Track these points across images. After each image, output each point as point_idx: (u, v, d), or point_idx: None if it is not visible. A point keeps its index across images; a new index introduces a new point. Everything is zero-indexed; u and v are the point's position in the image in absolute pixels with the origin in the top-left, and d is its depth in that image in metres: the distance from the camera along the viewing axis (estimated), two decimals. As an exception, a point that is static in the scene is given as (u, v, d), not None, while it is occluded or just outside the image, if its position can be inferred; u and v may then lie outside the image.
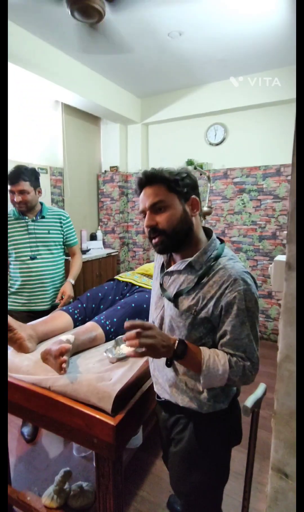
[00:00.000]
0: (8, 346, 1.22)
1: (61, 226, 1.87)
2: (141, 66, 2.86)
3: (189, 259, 0.86)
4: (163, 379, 0.95)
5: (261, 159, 3.16)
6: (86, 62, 2.78)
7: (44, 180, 3.11)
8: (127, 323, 0.76)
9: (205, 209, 3.21)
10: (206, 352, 0.81)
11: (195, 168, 3.39)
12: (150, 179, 0.85)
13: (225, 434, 0.94)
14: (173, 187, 0.84)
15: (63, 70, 2.63)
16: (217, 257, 0.85)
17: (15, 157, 2.78)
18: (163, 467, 1.64)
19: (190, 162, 3.45)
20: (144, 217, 0.87)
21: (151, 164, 3.91)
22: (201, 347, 0.83)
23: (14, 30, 2.19)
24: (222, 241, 0.93)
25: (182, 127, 3.61)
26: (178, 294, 0.87)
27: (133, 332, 0.75)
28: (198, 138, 3.51)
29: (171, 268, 0.92)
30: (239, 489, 1.55)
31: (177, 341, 0.80)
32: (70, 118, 3.44)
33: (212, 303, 0.81)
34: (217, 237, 0.94)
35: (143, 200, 0.87)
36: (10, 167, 1.70)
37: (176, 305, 0.87)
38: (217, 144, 3.39)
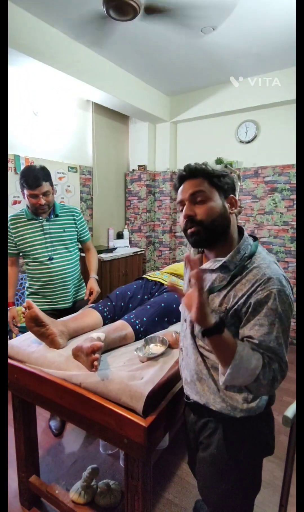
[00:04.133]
0: (40, 341, 1.24)
1: (75, 223, 1.82)
2: (171, 63, 2.83)
3: (223, 259, 0.84)
4: (193, 378, 0.92)
5: (295, 157, 3.03)
6: (116, 60, 2.79)
7: (74, 179, 3.16)
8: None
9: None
10: (240, 343, 0.76)
11: (225, 167, 3.31)
12: (193, 172, 0.85)
13: (256, 442, 0.90)
14: (215, 182, 0.84)
15: (93, 69, 2.64)
16: (251, 255, 0.83)
17: (47, 156, 2.85)
18: (190, 470, 1.61)
19: (219, 161, 3.37)
20: (182, 210, 0.87)
21: (179, 162, 3.87)
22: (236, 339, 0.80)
23: (43, 28, 2.22)
24: (255, 239, 0.90)
25: (212, 125, 3.54)
26: (209, 292, 0.84)
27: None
28: (228, 136, 3.42)
29: (203, 266, 0.89)
30: (268, 499, 1.49)
31: (219, 317, 0.81)
32: (100, 118, 3.47)
33: (242, 300, 0.78)
34: (250, 235, 0.91)
35: (183, 191, 0.86)
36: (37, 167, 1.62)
37: None
38: (248, 142, 3.29)
